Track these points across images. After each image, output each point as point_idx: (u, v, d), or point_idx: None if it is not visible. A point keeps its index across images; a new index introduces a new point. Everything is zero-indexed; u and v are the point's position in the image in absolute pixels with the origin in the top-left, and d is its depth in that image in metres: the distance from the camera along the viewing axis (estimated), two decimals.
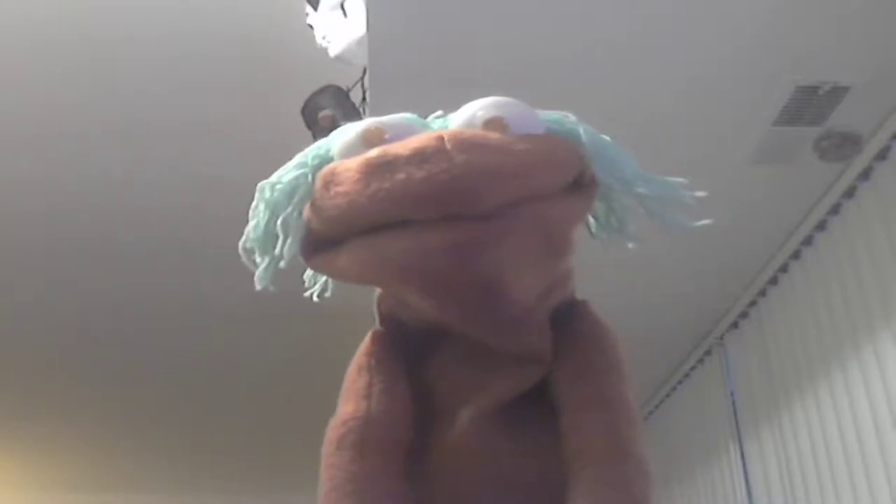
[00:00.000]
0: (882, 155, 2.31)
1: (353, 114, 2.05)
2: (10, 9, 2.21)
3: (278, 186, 0.70)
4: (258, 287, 0.73)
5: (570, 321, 0.76)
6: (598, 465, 0.68)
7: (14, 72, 2.38)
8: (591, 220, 0.77)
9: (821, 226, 2.62)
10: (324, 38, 2.03)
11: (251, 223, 0.72)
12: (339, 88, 2.12)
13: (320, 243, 0.69)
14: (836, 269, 2.54)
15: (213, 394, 4.24)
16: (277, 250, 0.71)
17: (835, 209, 2.54)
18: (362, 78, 2.13)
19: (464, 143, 0.61)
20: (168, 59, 2.36)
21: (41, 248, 3.09)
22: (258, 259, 0.72)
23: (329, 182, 0.65)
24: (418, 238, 0.62)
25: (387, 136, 0.65)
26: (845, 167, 2.42)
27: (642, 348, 3.37)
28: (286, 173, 0.71)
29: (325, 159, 0.70)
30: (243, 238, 0.72)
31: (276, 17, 2.23)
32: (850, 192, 2.46)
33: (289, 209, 0.70)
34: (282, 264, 0.71)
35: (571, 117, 0.72)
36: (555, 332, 0.75)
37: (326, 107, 2.05)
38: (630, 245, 0.77)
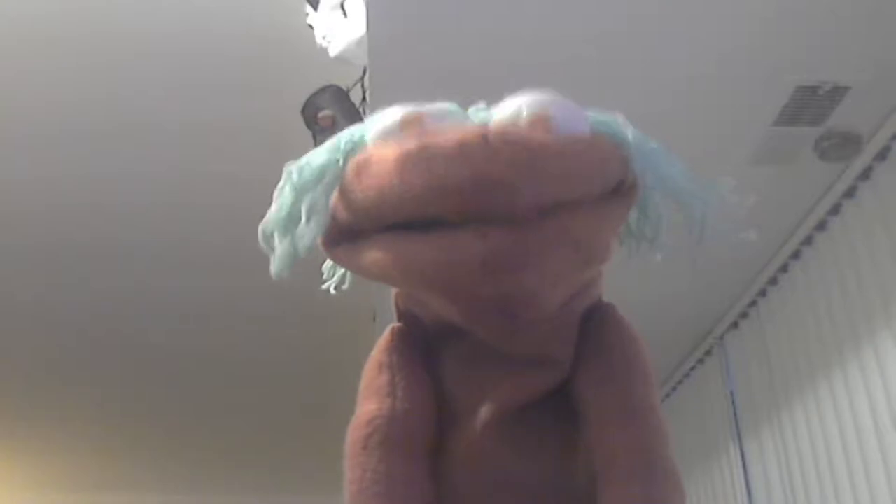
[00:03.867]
0: (882, 155, 2.31)
1: (353, 114, 2.05)
2: (10, 8, 2.21)
3: (307, 168, 0.67)
4: (274, 274, 0.68)
5: (594, 324, 0.73)
6: (628, 481, 0.65)
7: (14, 72, 2.39)
8: (623, 227, 0.74)
9: (821, 226, 2.62)
10: (324, 38, 2.04)
11: (274, 205, 0.69)
12: (339, 88, 2.12)
13: (345, 234, 0.66)
14: (836, 269, 2.54)
15: (213, 394, 4.24)
16: (298, 237, 0.67)
17: (835, 209, 2.54)
18: (362, 78, 2.14)
19: (508, 140, 0.58)
20: (168, 60, 2.37)
21: (41, 248, 3.09)
22: (277, 242, 0.69)
23: (362, 170, 0.62)
24: (451, 246, 0.59)
25: (427, 126, 0.62)
26: (845, 167, 2.42)
27: None
28: (316, 156, 0.68)
29: (360, 145, 0.66)
30: (264, 221, 0.69)
31: (276, 17, 2.23)
32: (850, 192, 2.46)
33: (315, 191, 0.66)
34: (301, 249, 0.67)
35: (620, 119, 0.70)
36: (579, 334, 0.72)
37: (326, 107, 2.05)
38: (658, 257, 0.75)
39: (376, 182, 0.60)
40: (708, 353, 3.43)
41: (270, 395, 4.20)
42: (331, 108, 2.05)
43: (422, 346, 0.75)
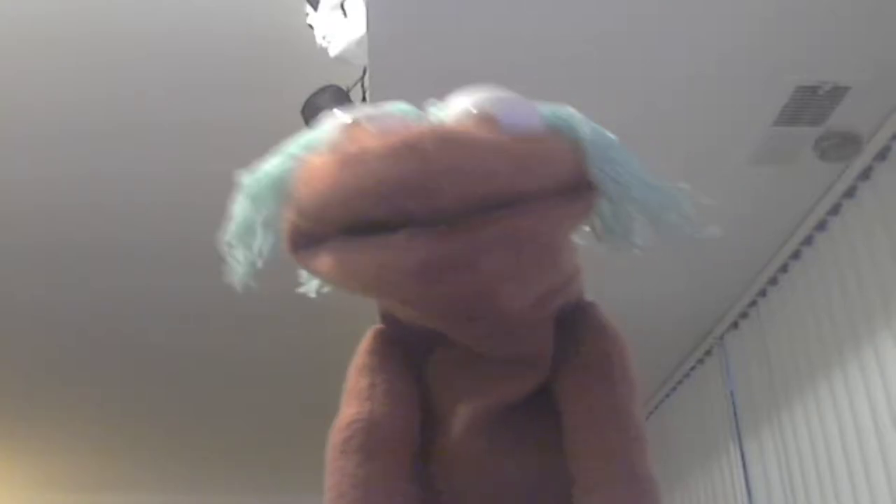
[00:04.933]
0: (882, 155, 2.31)
1: None
2: (9, 8, 2.21)
3: (262, 179, 0.67)
4: (235, 286, 0.70)
5: (575, 324, 0.73)
6: (605, 489, 0.65)
7: (14, 72, 2.38)
8: (598, 223, 0.72)
9: (821, 226, 2.62)
10: (324, 38, 2.03)
11: (233, 217, 0.69)
12: (339, 88, 2.12)
13: (305, 239, 0.66)
14: (836, 269, 2.54)
15: (213, 394, 4.24)
16: (256, 247, 0.68)
17: (835, 209, 2.54)
18: (362, 78, 2.13)
19: (442, 140, 0.57)
20: (168, 59, 2.36)
21: (41, 248, 3.09)
22: (238, 256, 0.69)
23: (307, 176, 0.62)
24: (383, 252, 0.58)
25: (374, 129, 0.61)
26: (845, 167, 2.42)
27: (642, 348, 3.36)
28: (270, 165, 0.68)
29: (311, 152, 0.66)
30: (224, 232, 0.69)
31: (276, 17, 2.23)
32: (850, 192, 2.46)
33: (271, 203, 0.67)
34: (259, 262, 0.68)
35: (575, 113, 0.68)
36: (559, 334, 0.71)
37: (326, 107, 2.05)
38: (637, 251, 0.73)
39: (319, 187, 0.60)
40: (708, 353, 3.43)
41: (270, 395, 4.20)
42: (331, 108, 2.05)
43: (404, 347, 0.74)
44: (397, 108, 0.66)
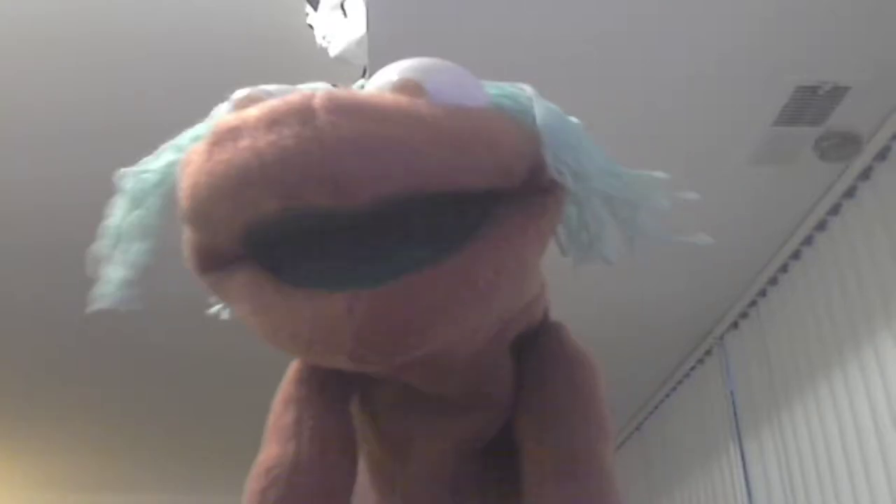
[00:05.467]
0: (882, 155, 2.31)
1: None
2: (10, 8, 2.21)
3: (143, 175, 0.55)
4: (94, 307, 0.57)
5: (538, 351, 0.61)
6: None
7: (14, 72, 2.38)
8: (561, 229, 0.58)
9: (821, 226, 2.62)
10: (324, 38, 2.03)
11: (106, 222, 0.56)
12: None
13: (212, 258, 0.52)
14: (836, 269, 2.54)
15: (213, 394, 4.24)
16: (130, 257, 0.54)
17: (835, 209, 2.54)
18: (362, 78, 2.13)
19: (339, 104, 0.42)
20: (168, 59, 2.36)
21: (41, 248, 3.09)
22: (110, 268, 0.56)
23: (183, 168, 0.48)
24: (315, 312, 0.44)
25: (262, 100, 0.47)
26: (845, 167, 2.42)
27: (642, 348, 3.38)
28: (155, 159, 0.56)
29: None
30: (96, 243, 0.56)
31: (276, 17, 2.23)
32: (850, 192, 2.46)
33: (152, 205, 0.54)
34: (124, 275, 0.55)
35: (528, 90, 0.54)
36: (520, 364, 0.61)
37: None
38: (607, 264, 0.59)
39: (190, 180, 0.46)
40: (708, 353, 3.43)
41: (270, 395, 4.19)
42: None
43: (339, 375, 0.60)
44: (311, 86, 0.52)
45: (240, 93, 0.51)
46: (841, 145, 2.30)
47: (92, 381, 4.09)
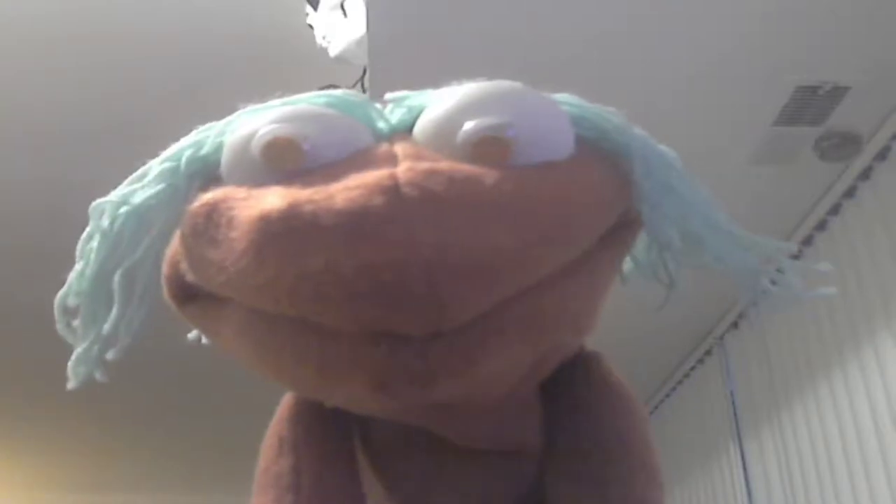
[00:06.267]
0: (882, 155, 2.31)
1: None
2: (10, 8, 2.21)
3: (123, 210, 0.44)
4: (71, 384, 0.46)
5: (574, 387, 0.52)
6: None
7: (14, 72, 2.38)
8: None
9: (821, 226, 2.61)
10: (324, 38, 2.03)
11: (76, 268, 0.46)
12: (338, 88, 2.11)
13: (192, 288, 0.44)
14: (836, 269, 2.53)
15: (213, 394, 4.24)
16: (109, 323, 0.45)
17: (835, 209, 2.54)
18: (362, 78, 2.13)
19: (434, 202, 0.33)
20: (168, 59, 2.36)
21: (41, 248, 3.09)
22: (81, 329, 0.47)
23: (209, 225, 0.38)
24: (338, 359, 0.36)
25: (307, 148, 0.38)
26: (845, 167, 2.42)
27: (642, 348, 3.37)
28: (141, 187, 0.45)
29: (209, 164, 0.44)
30: (62, 291, 0.46)
31: (276, 17, 2.23)
32: (850, 192, 2.46)
33: (135, 255, 0.43)
34: (110, 354, 0.44)
35: (616, 118, 0.47)
36: (548, 405, 0.51)
37: None
38: (666, 287, 0.54)
39: (225, 258, 0.37)
40: (708, 353, 3.43)
41: (270, 395, 4.19)
42: None
43: (339, 415, 0.52)
44: (332, 103, 0.43)
45: (266, 134, 0.39)
46: (841, 145, 2.30)
47: (92, 381, 4.09)
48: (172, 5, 2.23)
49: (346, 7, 2.00)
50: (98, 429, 4.65)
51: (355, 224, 0.33)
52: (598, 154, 0.44)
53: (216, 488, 5.34)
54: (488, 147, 0.37)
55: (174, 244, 0.43)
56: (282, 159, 0.38)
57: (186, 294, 0.44)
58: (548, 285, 0.38)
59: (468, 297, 0.33)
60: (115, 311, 0.44)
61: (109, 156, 2.77)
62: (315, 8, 2.06)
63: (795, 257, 0.50)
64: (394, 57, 2.01)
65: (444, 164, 0.36)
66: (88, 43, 2.30)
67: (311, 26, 2.09)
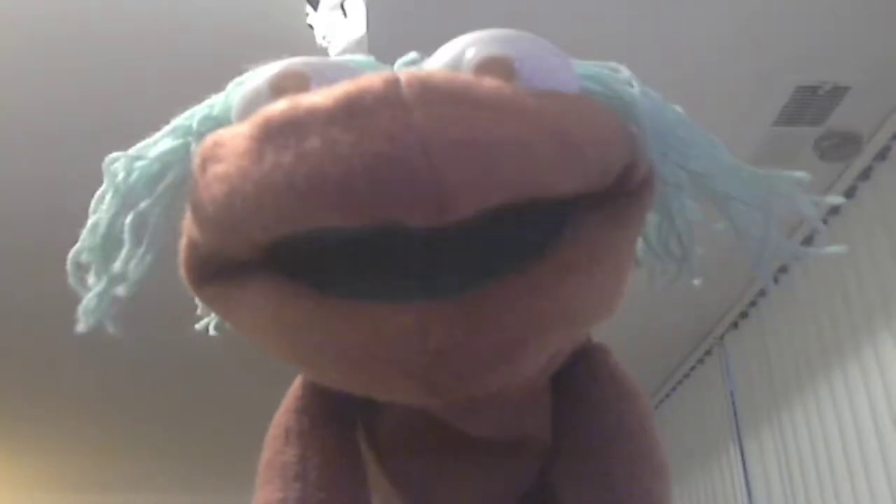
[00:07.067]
0: (882, 155, 2.31)
1: None
2: (9, 8, 2.21)
3: (138, 164, 0.45)
4: (81, 327, 0.49)
5: (580, 380, 0.51)
6: None
7: (14, 72, 2.38)
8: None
9: None
10: (324, 38, 2.03)
11: (90, 221, 0.47)
12: None
13: (211, 265, 0.41)
14: (836, 269, 2.54)
15: (213, 394, 4.24)
16: (118, 266, 0.45)
17: (835, 209, 2.54)
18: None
19: (433, 91, 0.33)
20: (168, 59, 2.36)
21: (41, 248, 3.09)
22: (92, 278, 0.48)
23: (208, 158, 0.37)
24: (373, 329, 0.35)
25: (314, 85, 0.38)
26: (845, 167, 2.42)
27: (642, 348, 3.37)
28: (154, 143, 0.46)
29: (221, 123, 0.44)
30: (76, 247, 0.48)
31: (276, 17, 2.23)
32: (850, 192, 2.46)
33: (147, 200, 0.44)
34: (120, 289, 0.45)
35: (624, 73, 0.47)
36: (556, 399, 0.51)
37: None
38: (696, 282, 0.52)
39: (224, 172, 0.36)
40: (708, 353, 3.43)
41: (270, 395, 4.19)
42: None
43: (346, 401, 0.51)
44: (348, 59, 0.44)
45: (275, 67, 0.41)
46: (841, 145, 2.30)
47: (92, 380, 4.09)
48: (172, 5, 2.23)
49: (346, 7, 2.00)
50: (98, 429, 4.65)
51: (353, 102, 0.32)
52: (601, 101, 0.44)
53: (216, 488, 5.34)
54: (491, 67, 0.37)
55: (187, 218, 0.42)
56: (288, 86, 0.38)
57: (203, 272, 0.42)
58: (574, 266, 0.37)
59: (467, 177, 0.32)
60: (125, 250, 0.44)
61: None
62: (315, 8, 2.06)
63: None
64: (394, 57, 2.00)
65: (446, 72, 0.37)
66: (88, 43, 2.30)
67: (311, 26, 2.09)
